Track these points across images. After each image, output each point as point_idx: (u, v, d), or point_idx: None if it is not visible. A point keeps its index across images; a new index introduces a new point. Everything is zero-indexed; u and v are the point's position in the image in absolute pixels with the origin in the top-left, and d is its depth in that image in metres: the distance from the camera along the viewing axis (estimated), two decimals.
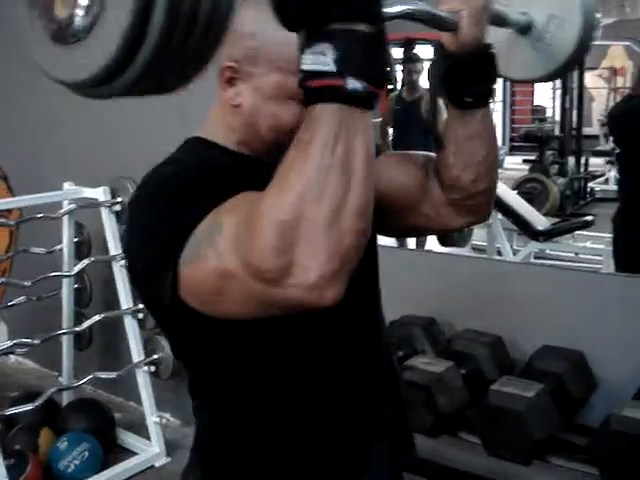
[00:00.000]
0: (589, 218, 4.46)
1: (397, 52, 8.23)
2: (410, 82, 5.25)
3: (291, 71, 1.00)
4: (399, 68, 5.77)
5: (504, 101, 10.61)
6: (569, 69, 1.25)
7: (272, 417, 1.16)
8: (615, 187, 6.14)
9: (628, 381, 2.27)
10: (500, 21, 1.18)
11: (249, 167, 1.12)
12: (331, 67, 0.81)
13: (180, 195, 0.99)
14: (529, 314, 2.56)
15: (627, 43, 7.79)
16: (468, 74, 1.15)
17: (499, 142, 10.21)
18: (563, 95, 6.66)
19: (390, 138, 5.49)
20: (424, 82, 5.49)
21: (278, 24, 0.88)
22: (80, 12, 0.72)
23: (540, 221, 4.36)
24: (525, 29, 1.21)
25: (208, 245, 0.91)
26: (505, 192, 4.47)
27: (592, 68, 9.15)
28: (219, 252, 0.89)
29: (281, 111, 1.09)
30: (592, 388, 2.37)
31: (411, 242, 4.74)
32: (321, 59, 0.81)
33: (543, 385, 2.15)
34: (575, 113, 6.56)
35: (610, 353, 2.39)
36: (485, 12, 1.10)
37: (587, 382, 2.36)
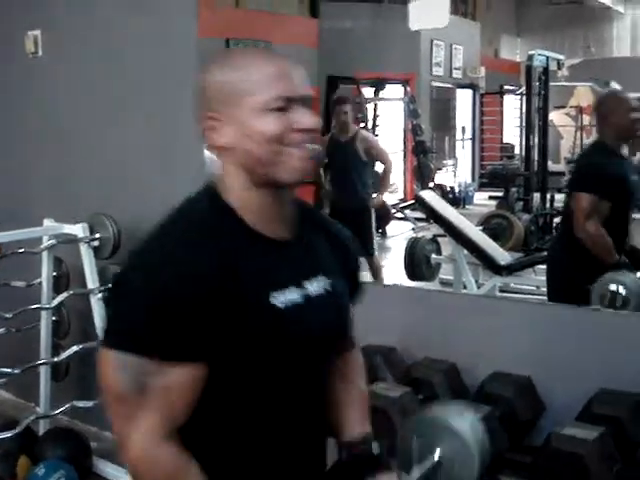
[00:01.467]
0: None
1: (368, 91, 8.49)
2: (340, 122, 5.37)
3: (256, 90, 1.22)
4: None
5: (473, 138, 10.88)
6: None
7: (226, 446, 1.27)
8: None
9: (573, 404, 2.43)
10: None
11: (247, 255, 1.23)
12: None
13: (150, 315, 1.17)
14: (482, 343, 2.74)
15: (589, 84, 8.05)
16: None
17: (469, 179, 10.46)
18: (527, 134, 6.86)
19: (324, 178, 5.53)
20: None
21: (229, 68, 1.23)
22: None
23: (502, 256, 4.55)
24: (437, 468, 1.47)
25: (131, 390, 1.18)
26: (469, 228, 4.66)
27: (560, 107, 9.43)
28: (129, 408, 1.19)
29: (262, 125, 1.21)
30: (540, 411, 2.54)
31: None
32: None
33: (491, 408, 2.32)
34: (540, 151, 6.77)
35: (557, 378, 2.57)
36: None
37: (535, 405, 2.53)
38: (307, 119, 1.23)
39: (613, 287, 2.94)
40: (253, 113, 1.22)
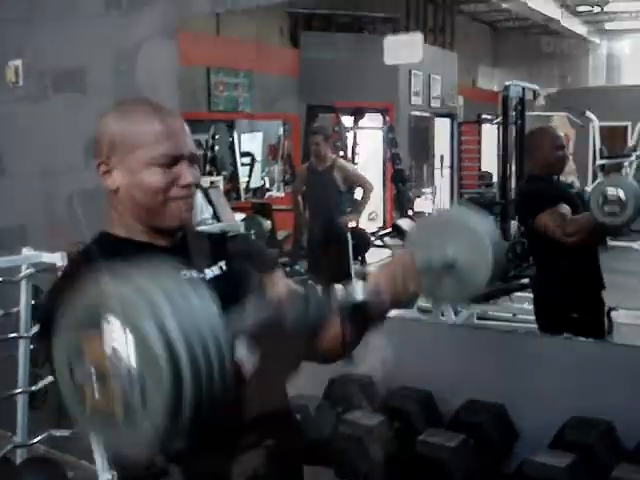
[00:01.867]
0: (525, 281, 4.70)
1: (347, 120, 8.56)
2: (315, 152, 5.46)
3: (145, 145, 1.37)
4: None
5: (452, 167, 10.95)
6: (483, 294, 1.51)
7: None
8: None
9: (546, 431, 2.47)
10: (427, 273, 1.45)
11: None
12: None
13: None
14: (457, 371, 2.77)
15: (564, 114, 8.16)
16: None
17: (448, 207, 10.51)
18: (504, 163, 6.93)
19: (302, 206, 5.68)
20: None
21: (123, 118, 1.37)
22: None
23: None
24: (447, 268, 1.46)
25: None
26: None
27: None
28: None
29: (148, 177, 1.38)
30: (513, 438, 2.57)
31: None
32: None
33: (465, 436, 2.35)
34: (517, 179, 6.83)
35: (530, 406, 2.60)
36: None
37: (508, 433, 2.56)
38: (189, 176, 1.40)
39: (611, 191, 2.95)
40: (141, 165, 1.38)
